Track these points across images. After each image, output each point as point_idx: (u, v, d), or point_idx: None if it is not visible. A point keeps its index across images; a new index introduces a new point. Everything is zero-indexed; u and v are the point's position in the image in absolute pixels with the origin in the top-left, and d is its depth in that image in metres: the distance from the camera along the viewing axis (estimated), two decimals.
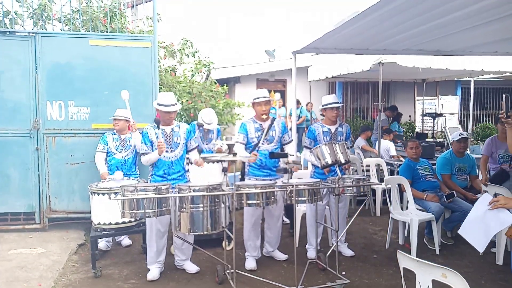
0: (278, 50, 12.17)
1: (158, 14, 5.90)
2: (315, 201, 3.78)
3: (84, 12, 6.19)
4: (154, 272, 3.93)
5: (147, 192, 3.35)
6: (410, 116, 12.25)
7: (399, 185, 4.88)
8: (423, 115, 10.26)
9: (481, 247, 2.58)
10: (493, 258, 4.27)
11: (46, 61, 5.17)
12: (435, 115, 9.39)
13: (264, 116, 4.22)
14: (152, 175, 4.02)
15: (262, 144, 4.21)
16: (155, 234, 3.93)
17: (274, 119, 4.30)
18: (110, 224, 4.03)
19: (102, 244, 4.69)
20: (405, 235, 4.82)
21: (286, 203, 3.93)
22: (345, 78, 9.64)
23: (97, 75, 5.29)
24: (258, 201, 3.56)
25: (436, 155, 6.45)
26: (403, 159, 6.07)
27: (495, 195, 3.47)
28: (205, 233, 3.40)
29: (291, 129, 6.58)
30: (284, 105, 11.74)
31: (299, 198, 3.67)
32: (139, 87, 5.38)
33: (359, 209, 4.52)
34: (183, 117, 7.34)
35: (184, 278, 3.95)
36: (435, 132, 10.39)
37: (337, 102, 4.39)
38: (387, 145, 7.39)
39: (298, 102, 10.21)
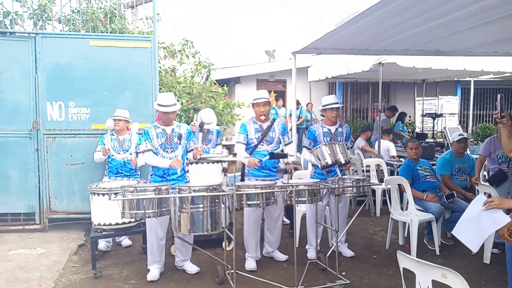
0: (278, 51, 12.17)
1: (158, 14, 5.90)
2: (315, 202, 3.79)
3: (84, 13, 6.19)
4: (154, 272, 3.93)
5: (147, 193, 3.35)
6: (410, 117, 12.23)
7: (399, 185, 4.87)
8: (423, 116, 10.25)
9: (475, 248, 2.59)
10: (493, 259, 4.27)
11: (46, 62, 5.18)
12: (435, 116, 9.38)
13: (262, 117, 4.21)
14: (151, 175, 4.02)
15: (262, 145, 4.21)
16: (155, 234, 3.93)
17: (274, 120, 4.30)
18: (110, 224, 4.04)
19: (102, 244, 4.69)
20: (405, 235, 4.82)
21: (286, 203, 3.93)
22: (345, 78, 9.64)
23: (97, 75, 5.29)
24: (258, 202, 3.56)
25: (436, 155, 6.45)
26: (403, 160, 6.07)
27: (489, 195, 3.48)
28: (205, 233, 3.40)
29: (291, 129, 6.59)
30: (284, 105, 11.75)
31: (299, 199, 3.67)
32: (139, 87, 5.39)
33: (359, 210, 4.52)
34: (182, 117, 7.34)
35: (184, 279, 3.95)
36: (435, 132, 10.38)
37: (337, 103, 4.39)
38: (388, 146, 7.39)
39: (298, 103, 10.21)
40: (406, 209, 4.89)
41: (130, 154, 4.78)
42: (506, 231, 2.66)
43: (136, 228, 4.25)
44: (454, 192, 4.73)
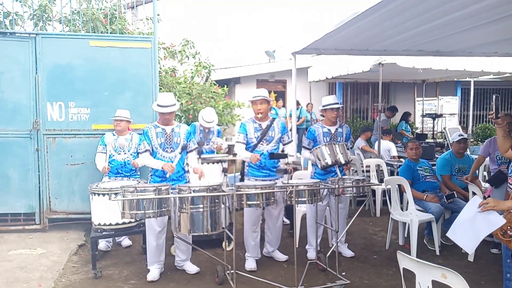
0: (278, 51, 12.15)
1: (158, 15, 5.90)
2: (315, 202, 3.79)
3: (84, 13, 6.19)
4: (154, 272, 3.93)
5: (147, 193, 3.35)
6: (410, 117, 12.25)
7: (399, 185, 4.88)
8: (423, 116, 10.25)
9: (470, 249, 2.59)
10: (494, 259, 4.27)
11: (46, 62, 5.18)
12: (435, 116, 9.38)
13: (260, 115, 4.21)
14: (151, 175, 4.03)
15: (261, 144, 4.21)
16: (154, 234, 3.93)
17: (273, 119, 4.30)
18: (110, 224, 4.04)
19: (102, 244, 4.69)
20: (405, 235, 4.82)
21: (286, 203, 3.94)
22: (345, 78, 9.64)
23: (97, 76, 5.30)
24: (258, 202, 3.57)
25: (436, 155, 6.45)
26: (403, 160, 6.07)
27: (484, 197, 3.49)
28: (205, 233, 3.40)
29: (291, 130, 6.59)
30: (284, 106, 11.75)
31: (299, 199, 3.68)
32: (139, 87, 5.39)
33: (359, 210, 4.51)
34: (182, 118, 7.34)
35: (184, 279, 3.96)
36: (435, 132, 10.39)
37: (337, 103, 4.39)
38: (388, 146, 7.39)
39: (298, 103, 10.21)
40: (406, 209, 4.89)
41: (131, 154, 4.78)
42: (500, 231, 2.67)
43: (136, 228, 4.25)
44: (454, 192, 4.73)
